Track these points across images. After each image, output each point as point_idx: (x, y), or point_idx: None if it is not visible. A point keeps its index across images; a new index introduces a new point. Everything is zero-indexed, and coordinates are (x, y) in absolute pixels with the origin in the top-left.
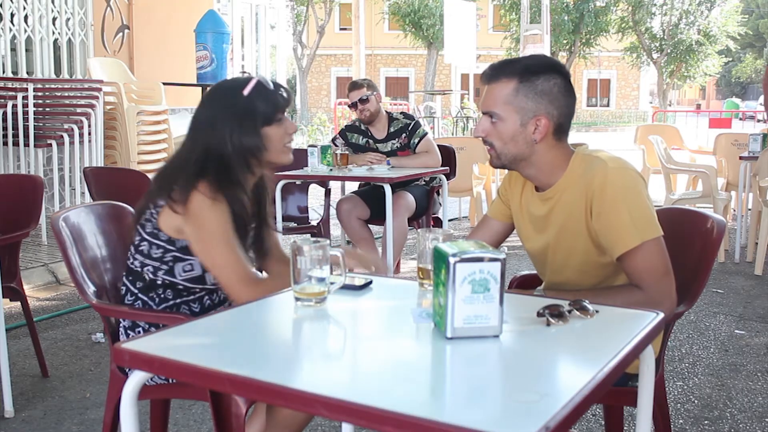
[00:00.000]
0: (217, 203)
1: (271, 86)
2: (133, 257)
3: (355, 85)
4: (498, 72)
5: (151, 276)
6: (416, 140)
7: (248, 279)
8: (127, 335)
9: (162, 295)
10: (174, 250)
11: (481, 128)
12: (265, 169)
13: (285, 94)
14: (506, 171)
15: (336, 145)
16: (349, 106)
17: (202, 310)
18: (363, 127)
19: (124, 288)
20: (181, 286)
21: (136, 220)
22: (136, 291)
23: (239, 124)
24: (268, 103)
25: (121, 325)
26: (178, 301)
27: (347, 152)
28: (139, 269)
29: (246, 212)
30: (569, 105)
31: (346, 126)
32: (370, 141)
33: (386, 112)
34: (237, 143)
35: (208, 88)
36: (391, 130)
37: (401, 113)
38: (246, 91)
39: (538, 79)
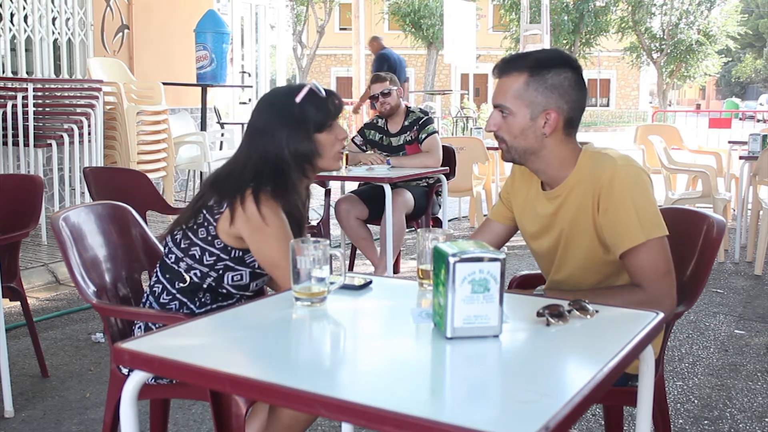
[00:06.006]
0: (275, 207)
1: (323, 93)
2: (178, 259)
3: (378, 78)
4: (509, 66)
5: (196, 280)
6: (423, 135)
7: None
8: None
9: (202, 299)
10: (227, 259)
11: (493, 122)
12: (317, 173)
13: (336, 102)
14: (507, 173)
15: (355, 143)
16: (370, 98)
17: None
18: (380, 124)
19: (159, 286)
20: (224, 291)
21: (184, 222)
22: (174, 291)
23: (293, 131)
24: (319, 110)
25: (136, 325)
26: (214, 306)
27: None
28: (182, 271)
29: (302, 214)
30: (580, 99)
31: (365, 124)
32: (384, 137)
33: (406, 106)
34: (293, 149)
35: (262, 96)
36: (406, 123)
37: (419, 108)
38: (298, 99)
39: (549, 73)
